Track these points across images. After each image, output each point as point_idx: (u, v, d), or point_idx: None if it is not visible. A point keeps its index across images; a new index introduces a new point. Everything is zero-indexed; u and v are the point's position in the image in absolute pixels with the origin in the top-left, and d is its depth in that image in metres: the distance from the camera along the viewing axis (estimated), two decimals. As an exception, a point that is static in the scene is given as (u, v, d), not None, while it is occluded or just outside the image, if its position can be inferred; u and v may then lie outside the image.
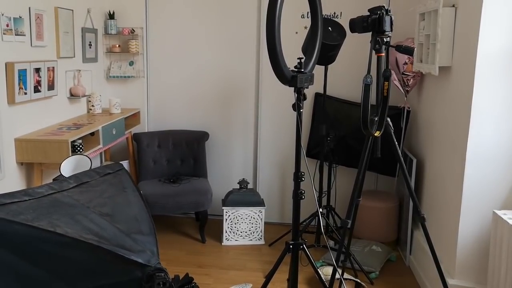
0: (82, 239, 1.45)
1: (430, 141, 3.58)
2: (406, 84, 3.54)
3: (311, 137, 4.47)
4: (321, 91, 4.08)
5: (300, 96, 2.51)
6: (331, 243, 4.07)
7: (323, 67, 3.84)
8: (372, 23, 2.20)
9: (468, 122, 2.76)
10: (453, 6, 3.06)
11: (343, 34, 3.56)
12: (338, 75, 4.35)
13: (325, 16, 4.32)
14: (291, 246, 2.70)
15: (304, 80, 2.47)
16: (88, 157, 2.61)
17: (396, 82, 3.75)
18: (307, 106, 4.49)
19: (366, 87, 2.20)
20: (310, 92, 4.45)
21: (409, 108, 3.83)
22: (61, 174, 2.49)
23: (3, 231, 1.36)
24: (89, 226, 1.54)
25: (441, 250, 3.22)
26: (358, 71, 4.30)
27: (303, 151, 2.53)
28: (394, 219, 4.15)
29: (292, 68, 2.50)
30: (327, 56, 3.55)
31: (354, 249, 3.89)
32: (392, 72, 3.80)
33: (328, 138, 3.87)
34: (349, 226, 2.41)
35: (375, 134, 2.25)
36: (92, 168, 2.03)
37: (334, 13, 4.36)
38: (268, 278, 2.82)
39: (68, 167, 2.53)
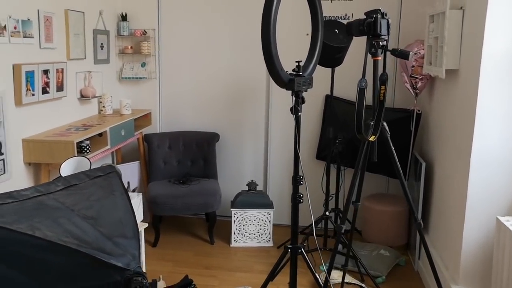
0: (61, 242, 1.47)
1: (439, 145, 3.51)
2: (415, 86, 3.47)
3: (321, 140, 4.44)
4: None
5: (298, 100, 2.50)
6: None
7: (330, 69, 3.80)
8: (368, 27, 2.17)
9: (473, 126, 2.69)
10: (461, 8, 2.99)
11: (350, 36, 3.52)
12: (348, 76, 4.30)
13: (335, 18, 4.28)
14: (289, 250, 2.69)
15: (302, 83, 2.45)
16: (88, 159, 2.64)
17: (407, 85, 3.69)
18: (318, 108, 4.46)
19: (361, 91, 2.17)
20: (320, 94, 4.42)
21: (419, 110, 3.76)
22: (60, 175, 2.54)
23: (-20, 234, 1.39)
24: (71, 229, 1.56)
25: (446, 256, 3.16)
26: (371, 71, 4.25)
27: (299, 154, 2.51)
28: (404, 223, 4.08)
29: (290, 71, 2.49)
30: (334, 59, 3.51)
31: (361, 253, 3.85)
32: (403, 74, 3.74)
33: (337, 141, 3.83)
34: (343, 231, 2.38)
35: (370, 139, 2.22)
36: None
37: (346, 14, 4.31)
38: (267, 280, 2.81)
39: (68, 168, 2.57)
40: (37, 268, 1.45)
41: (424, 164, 3.61)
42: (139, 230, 3.10)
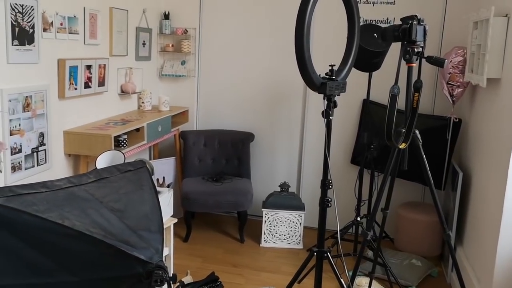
0: (87, 232, 1.53)
1: (477, 155, 3.41)
2: (452, 94, 3.39)
3: (356, 144, 4.40)
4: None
5: (330, 104, 2.49)
6: (369, 253, 3.99)
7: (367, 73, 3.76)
8: (403, 33, 2.14)
9: (512, 138, 2.61)
10: (506, 16, 2.90)
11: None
12: (386, 81, 4.24)
13: (376, 22, 4.23)
14: (314, 253, 2.69)
15: (334, 87, 2.44)
16: (122, 153, 2.73)
17: (445, 92, 3.61)
18: (355, 112, 4.42)
19: (392, 98, 2.14)
20: (358, 98, 4.38)
21: (456, 118, 3.67)
22: (96, 167, 2.63)
23: (14, 220, 1.46)
24: (98, 220, 1.62)
25: (479, 269, 3.07)
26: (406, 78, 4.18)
27: (328, 159, 2.50)
28: (438, 233, 3.99)
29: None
30: (371, 63, 3.47)
31: (392, 261, 3.79)
32: (443, 81, 3.66)
33: (371, 146, 3.79)
34: (368, 237, 2.36)
35: (400, 146, 2.19)
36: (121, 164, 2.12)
37: (387, 18, 4.25)
38: (292, 282, 2.82)
39: (104, 161, 2.67)
40: (64, 255, 1.52)
41: (461, 174, 3.52)
42: (167, 225, 3.18)
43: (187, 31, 4.65)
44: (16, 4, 2.74)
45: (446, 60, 2.12)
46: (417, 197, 4.41)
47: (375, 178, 3.92)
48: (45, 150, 3.11)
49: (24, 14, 2.81)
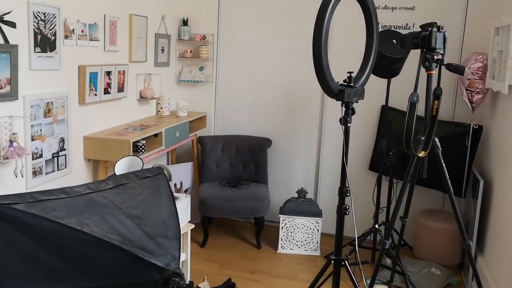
0: (106, 239, 1.55)
1: (499, 163, 3.36)
2: (471, 100, 3.35)
3: (374, 151, 4.37)
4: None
5: (348, 111, 2.48)
6: (388, 261, 3.94)
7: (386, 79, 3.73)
8: (422, 40, 2.12)
9: (534, 146, 2.56)
10: (528, 20, 2.86)
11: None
12: (406, 88, 4.20)
13: (395, 28, 4.20)
14: (332, 261, 2.67)
15: (352, 94, 2.43)
16: (140, 158, 2.75)
17: (465, 98, 3.56)
18: (373, 118, 4.39)
19: (412, 106, 2.12)
20: (376, 104, 4.35)
21: (475, 125, 3.61)
22: (114, 173, 2.66)
23: (34, 226, 1.49)
24: (116, 227, 1.64)
25: (501, 279, 3.01)
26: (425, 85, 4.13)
27: (346, 166, 2.48)
28: (458, 242, 3.92)
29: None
30: (391, 69, 3.45)
31: (411, 270, 3.74)
32: (462, 87, 3.62)
33: (390, 153, 3.75)
34: (387, 246, 2.33)
35: (419, 154, 2.16)
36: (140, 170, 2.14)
37: (406, 24, 4.22)
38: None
39: (122, 166, 2.69)
40: (83, 261, 1.54)
41: (482, 182, 3.46)
42: (184, 230, 3.19)
43: (205, 37, 4.68)
44: (38, 12, 2.79)
45: (466, 68, 2.09)
46: (437, 204, 4.35)
47: (393, 185, 3.88)
48: (65, 155, 3.16)
49: (46, 22, 2.86)
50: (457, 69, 2.10)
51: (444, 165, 2.22)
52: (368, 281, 3.60)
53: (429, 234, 3.97)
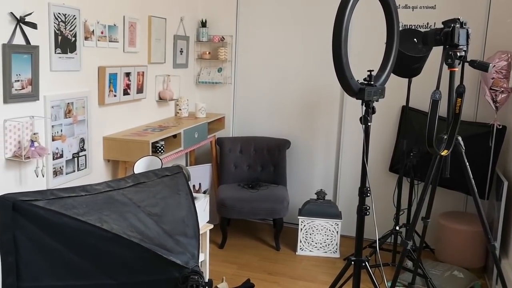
0: (125, 236, 1.54)
1: (524, 164, 3.28)
2: (495, 99, 3.28)
3: (395, 152, 4.31)
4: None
5: (369, 109, 2.44)
6: (409, 263, 3.88)
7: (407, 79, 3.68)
8: (445, 36, 2.07)
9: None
10: (554, 17, 2.78)
11: (429, 46, 3.39)
12: (427, 87, 4.14)
13: (416, 27, 4.14)
14: (352, 262, 2.63)
15: (373, 93, 2.40)
16: (159, 158, 2.76)
17: (488, 98, 3.49)
18: (393, 119, 4.34)
19: (434, 103, 2.08)
20: (397, 104, 4.29)
21: (499, 125, 3.54)
22: (133, 172, 2.67)
23: (55, 223, 1.49)
24: (135, 224, 1.63)
25: (526, 284, 2.94)
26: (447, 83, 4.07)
27: (366, 166, 2.45)
28: (482, 244, 3.84)
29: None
30: (411, 69, 3.40)
31: (433, 272, 3.67)
32: (485, 86, 3.55)
33: (411, 154, 3.70)
34: (408, 247, 2.29)
35: (442, 153, 2.12)
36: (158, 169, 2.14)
37: (427, 23, 4.16)
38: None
39: (141, 166, 2.70)
40: (102, 258, 1.53)
41: (506, 183, 3.39)
42: (203, 231, 3.19)
43: (223, 38, 4.68)
44: (59, 13, 2.82)
45: (490, 64, 2.04)
46: (459, 206, 4.27)
47: (414, 187, 3.82)
48: (85, 155, 3.18)
49: (66, 23, 2.89)
50: (481, 66, 2.05)
51: (467, 164, 2.17)
52: (389, 284, 3.54)
53: (452, 236, 3.90)
